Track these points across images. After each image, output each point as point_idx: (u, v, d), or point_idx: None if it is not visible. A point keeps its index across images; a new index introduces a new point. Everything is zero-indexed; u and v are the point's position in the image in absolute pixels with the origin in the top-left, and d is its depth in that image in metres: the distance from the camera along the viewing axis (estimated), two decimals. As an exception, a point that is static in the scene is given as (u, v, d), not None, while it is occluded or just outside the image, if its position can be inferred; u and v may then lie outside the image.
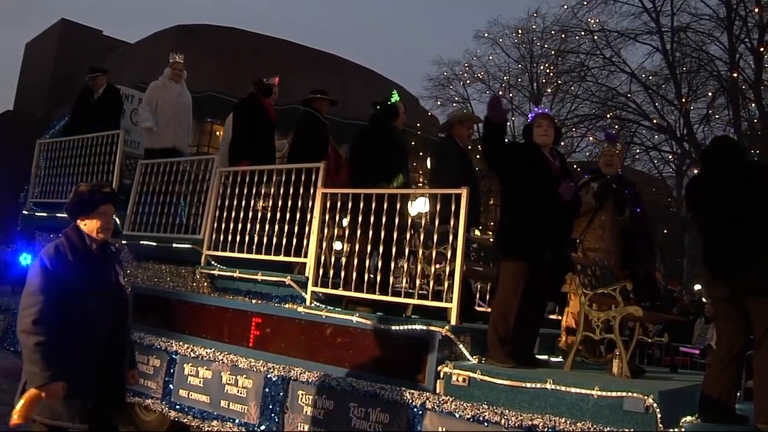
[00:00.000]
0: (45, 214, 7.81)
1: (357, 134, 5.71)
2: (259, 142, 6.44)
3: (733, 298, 3.74)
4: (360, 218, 4.90)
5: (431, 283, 4.77)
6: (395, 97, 5.66)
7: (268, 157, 6.39)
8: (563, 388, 3.74)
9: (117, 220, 6.71)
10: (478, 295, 6.25)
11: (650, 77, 19.68)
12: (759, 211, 3.72)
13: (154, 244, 6.28)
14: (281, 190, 5.47)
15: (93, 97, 7.99)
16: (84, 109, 7.95)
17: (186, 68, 7.68)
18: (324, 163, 5.39)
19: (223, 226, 5.73)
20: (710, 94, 18.68)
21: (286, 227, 5.35)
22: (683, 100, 18.45)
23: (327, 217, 5.19)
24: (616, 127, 19.76)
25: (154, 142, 7.36)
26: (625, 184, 5.58)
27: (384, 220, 4.95)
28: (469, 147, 6.31)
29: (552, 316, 6.09)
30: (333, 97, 6.60)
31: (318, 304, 5.06)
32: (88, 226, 3.33)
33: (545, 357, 5.04)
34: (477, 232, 5.78)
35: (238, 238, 5.59)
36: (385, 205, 4.86)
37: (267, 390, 5.00)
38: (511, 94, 23.78)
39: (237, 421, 5.13)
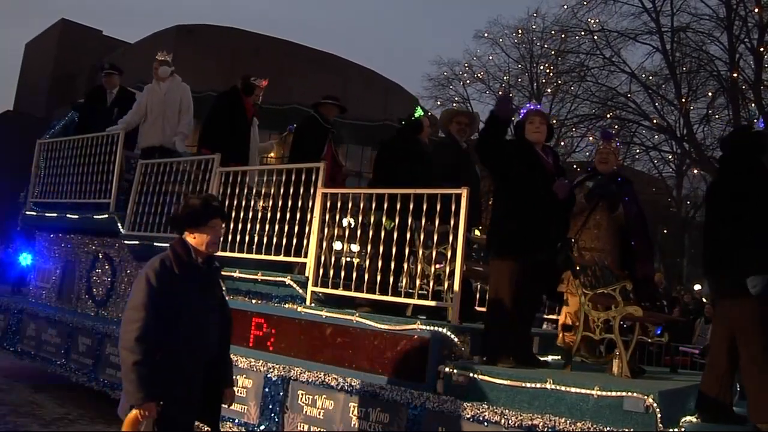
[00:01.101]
0: (45, 214, 7.82)
1: (381, 146, 5.74)
2: (229, 135, 6.46)
3: (718, 298, 3.79)
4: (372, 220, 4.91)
5: (431, 283, 4.77)
6: (419, 112, 5.73)
7: (237, 152, 6.43)
8: (563, 388, 3.74)
9: (117, 219, 6.74)
10: (478, 295, 6.25)
11: (650, 77, 19.68)
12: (757, 212, 3.71)
13: (154, 243, 6.27)
14: (281, 190, 5.47)
15: (107, 97, 7.93)
16: (98, 109, 7.87)
17: (178, 65, 7.61)
18: (323, 163, 5.39)
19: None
20: (710, 94, 18.68)
21: (286, 227, 5.36)
22: (683, 100, 18.44)
23: (327, 217, 5.19)
24: (616, 126, 19.76)
25: (143, 141, 7.34)
26: (623, 182, 5.57)
27: (384, 220, 4.95)
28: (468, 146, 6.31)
29: (551, 316, 6.09)
30: (333, 96, 6.63)
31: (318, 304, 5.06)
32: (197, 239, 3.22)
33: (545, 357, 5.04)
34: (477, 232, 5.78)
35: (238, 238, 5.59)
36: (386, 206, 4.86)
37: (267, 390, 4.99)
38: (511, 94, 23.79)
39: (237, 420, 5.13)
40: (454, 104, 24.51)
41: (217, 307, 3.34)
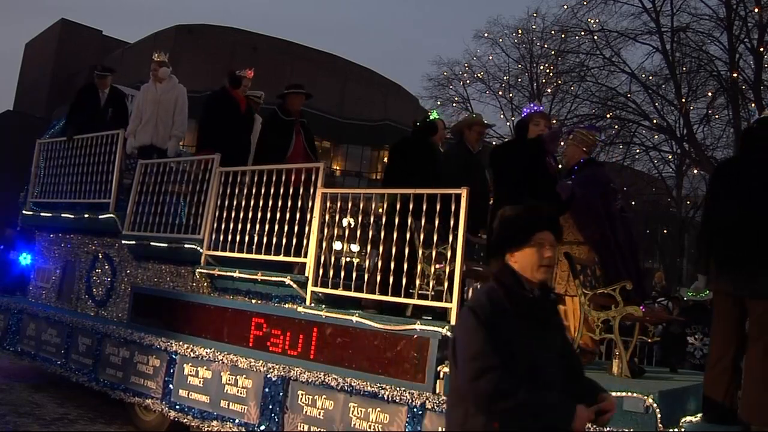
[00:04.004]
0: (45, 214, 7.82)
1: (394, 144, 5.75)
2: (226, 133, 6.45)
3: (735, 295, 3.74)
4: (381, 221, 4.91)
5: (431, 283, 4.77)
6: (434, 114, 5.76)
7: (238, 148, 6.41)
8: (563, 388, 3.73)
9: (117, 219, 6.74)
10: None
11: (650, 77, 19.67)
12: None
13: (154, 243, 6.28)
14: (281, 190, 5.46)
15: (99, 97, 7.92)
16: (91, 108, 7.84)
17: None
18: (323, 163, 5.40)
19: (223, 226, 5.73)
20: (710, 94, 18.67)
21: (286, 227, 5.36)
22: (683, 100, 18.44)
23: (327, 217, 5.19)
24: (616, 126, 19.76)
25: (137, 141, 7.35)
26: (579, 168, 5.42)
27: (384, 220, 4.95)
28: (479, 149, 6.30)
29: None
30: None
31: (318, 303, 5.06)
32: (519, 262, 2.44)
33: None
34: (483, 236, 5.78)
35: (238, 238, 5.59)
36: (385, 205, 4.87)
37: (267, 390, 4.99)
38: (511, 94, 23.82)
39: (237, 421, 5.13)
40: (454, 104, 24.56)
41: (560, 352, 2.51)
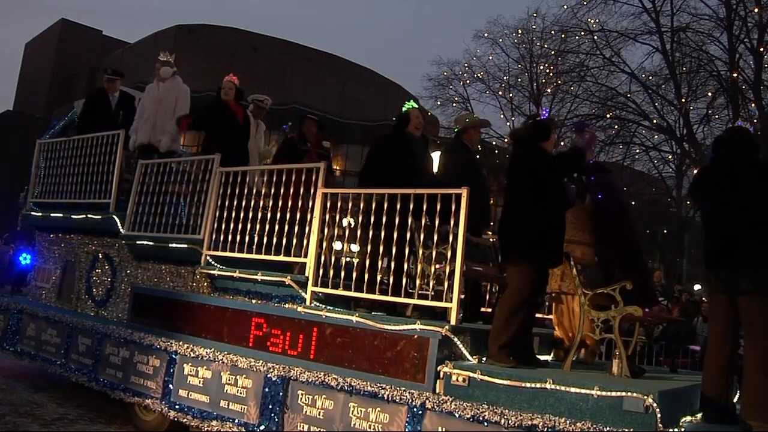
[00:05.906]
0: (45, 214, 7.82)
1: (373, 142, 5.79)
2: (220, 141, 6.48)
3: (728, 294, 3.77)
4: (370, 219, 4.91)
5: (431, 283, 4.77)
6: (407, 105, 5.70)
7: (234, 148, 6.44)
8: (563, 388, 3.74)
9: (117, 219, 6.74)
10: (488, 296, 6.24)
11: (650, 77, 19.70)
12: (761, 209, 3.72)
13: (154, 244, 6.28)
14: (281, 190, 5.46)
15: (110, 101, 7.92)
16: (103, 113, 7.81)
17: (177, 66, 7.62)
18: (324, 163, 5.40)
19: (223, 226, 5.73)
20: (710, 94, 18.70)
21: (286, 227, 5.36)
22: (683, 100, 18.47)
23: (327, 217, 5.19)
24: (616, 126, 19.78)
25: (137, 139, 7.35)
26: (596, 171, 5.45)
27: (385, 220, 4.95)
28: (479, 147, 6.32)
29: (550, 316, 6.09)
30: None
31: (318, 303, 5.06)
32: None
33: (545, 357, 5.04)
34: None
35: (238, 238, 5.59)
36: (385, 206, 4.86)
37: (267, 390, 4.99)
38: (511, 94, 23.84)
39: (237, 420, 5.13)
40: (454, 104, 24.58)
41: None
